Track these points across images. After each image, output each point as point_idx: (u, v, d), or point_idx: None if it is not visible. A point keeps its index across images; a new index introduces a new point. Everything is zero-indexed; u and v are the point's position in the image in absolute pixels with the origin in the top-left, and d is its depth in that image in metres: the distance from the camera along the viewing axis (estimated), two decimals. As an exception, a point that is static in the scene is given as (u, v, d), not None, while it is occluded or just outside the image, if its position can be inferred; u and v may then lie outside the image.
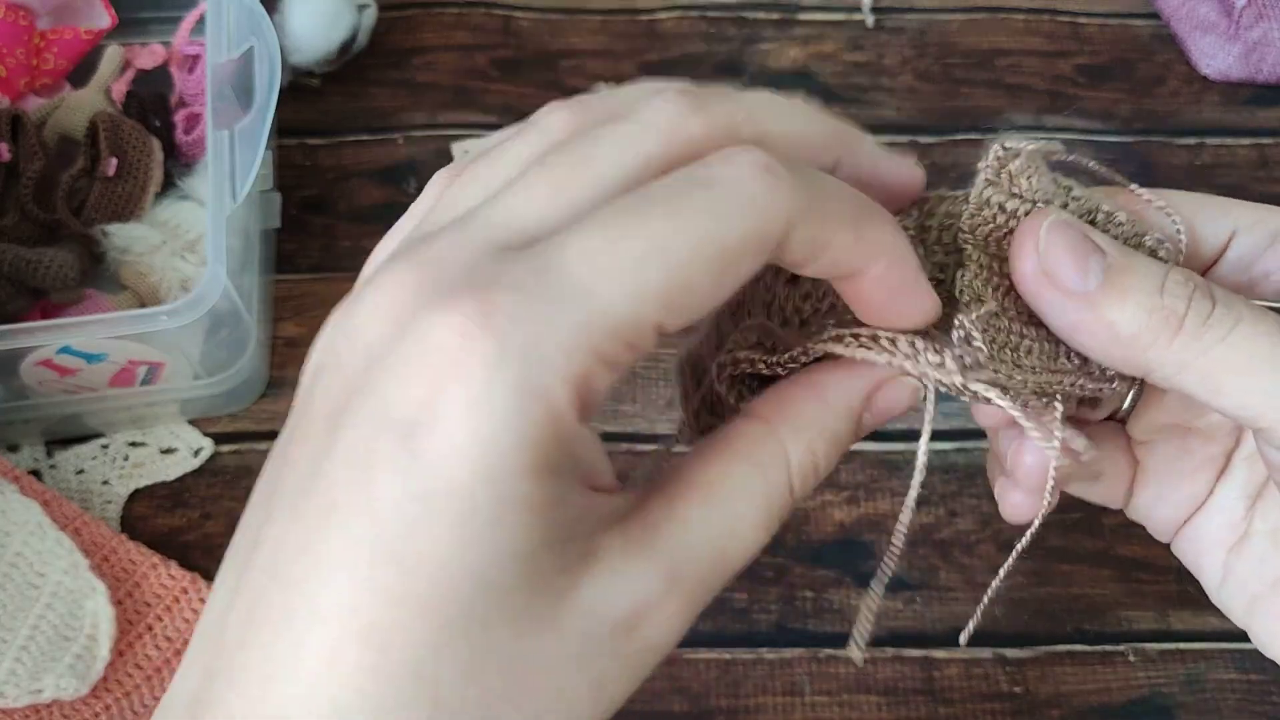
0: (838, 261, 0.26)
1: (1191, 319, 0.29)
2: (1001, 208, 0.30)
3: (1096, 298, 0.29)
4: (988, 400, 0.29)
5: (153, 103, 0.66)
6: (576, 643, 0.24)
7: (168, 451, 0.59)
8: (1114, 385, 0.32)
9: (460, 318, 0.22)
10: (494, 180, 0.26)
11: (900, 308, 0.28)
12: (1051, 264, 0.29)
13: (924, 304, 0.28)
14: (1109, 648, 0.53)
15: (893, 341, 0.28)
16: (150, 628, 0.52)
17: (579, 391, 0.23)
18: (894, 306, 0.28)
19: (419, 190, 0.74)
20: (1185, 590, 0.55)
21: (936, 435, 0.58)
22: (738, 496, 0.26)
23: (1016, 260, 0.30)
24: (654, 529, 0.25)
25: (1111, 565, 0.55)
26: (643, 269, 0.23)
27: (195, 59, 0.68)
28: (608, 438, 0.59)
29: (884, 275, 0.27)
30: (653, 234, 0.23)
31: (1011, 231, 0.30)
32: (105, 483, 0.57)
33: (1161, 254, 0.31)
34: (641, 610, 0.25)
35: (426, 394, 0.22)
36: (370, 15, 0.72)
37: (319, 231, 0.67)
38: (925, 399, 0.29)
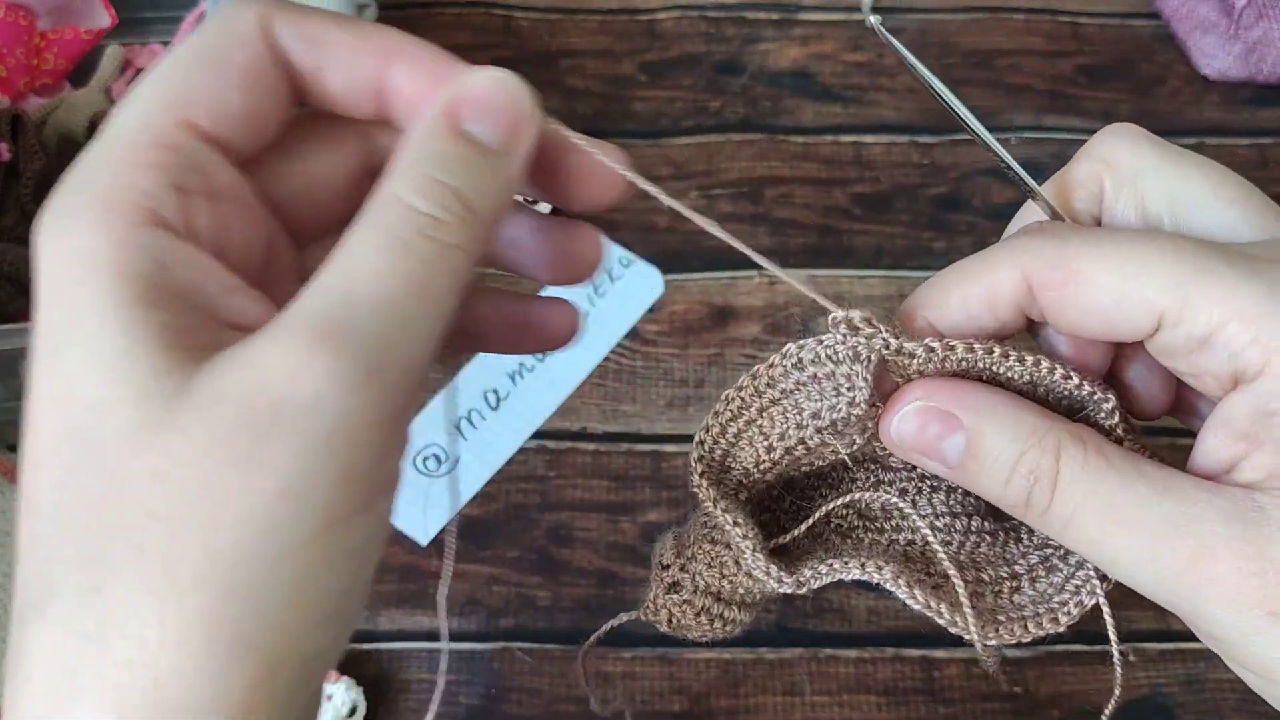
0: (352, 58, 0.29)
1: (1033, 508, 0.31)
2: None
3: (959, 474, 0.31)
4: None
5: (153, 103, 0.66)
6: (203, 431, 0.23)
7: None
8: None
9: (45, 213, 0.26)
10: None
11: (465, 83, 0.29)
12: (909, 444, 0.32)
13: (457, 64, 0.30)
14: (1109, 648, 0.53)
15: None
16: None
17: (127, 196, 0.25)
18: (454, 83, 0.29)
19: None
20: (1185, 590, 0.55)
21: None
22: (355, 245, 0.26)
23: (884, 438, 0.32)
24: (282, 313, 0.25)
25: (1111, 565, 0.55)
26: (138, 88, 0.27)
27: (195, 59, 0.69)
28: (608, 438, 0.59)
29: (424, 65, 0.30)
30: (152, 69, 0.28)
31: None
32: (105, 483, 0.57)
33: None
34: (282, 375, 0.24)
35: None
36: (370, 15, 0.72)
37: (319, 231, 0.67)
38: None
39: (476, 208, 0.28)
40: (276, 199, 0.29)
